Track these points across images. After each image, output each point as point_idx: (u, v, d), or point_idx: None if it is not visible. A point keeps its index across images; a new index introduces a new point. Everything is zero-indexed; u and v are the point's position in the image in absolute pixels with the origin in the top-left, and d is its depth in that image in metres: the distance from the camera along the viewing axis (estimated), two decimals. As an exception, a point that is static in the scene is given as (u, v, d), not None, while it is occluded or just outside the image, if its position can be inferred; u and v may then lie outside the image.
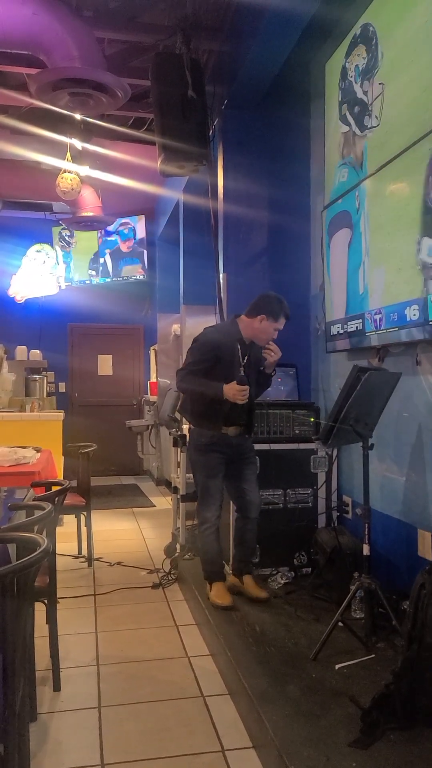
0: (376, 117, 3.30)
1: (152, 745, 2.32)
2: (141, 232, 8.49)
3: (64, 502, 3.22)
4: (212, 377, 3.27)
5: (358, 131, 3.54)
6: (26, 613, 1.90)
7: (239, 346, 3.36)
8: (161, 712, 2.56)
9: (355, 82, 3.55)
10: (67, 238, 8.76)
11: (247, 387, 3.20)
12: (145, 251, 8.44)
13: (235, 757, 2.26)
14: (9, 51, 3.95)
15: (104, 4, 4.29)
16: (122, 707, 2.60)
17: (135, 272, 8.59)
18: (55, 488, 2.97)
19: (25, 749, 1.87)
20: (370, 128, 3.39)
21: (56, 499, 2.68)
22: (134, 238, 8.58)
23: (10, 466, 3.89)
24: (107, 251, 8.72)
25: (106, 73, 3.69)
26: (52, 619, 2.71)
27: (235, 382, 3.20)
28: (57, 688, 2.70)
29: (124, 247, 8.66)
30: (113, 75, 3.73)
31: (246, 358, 3.36)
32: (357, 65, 3.54)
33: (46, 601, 2.69)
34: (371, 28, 3.36)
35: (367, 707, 2.16)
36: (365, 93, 3.43)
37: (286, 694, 2.41)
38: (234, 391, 3.19)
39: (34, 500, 2.58)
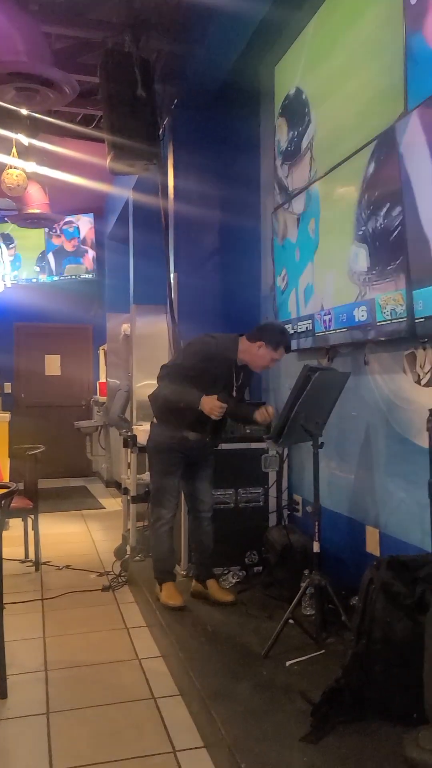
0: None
1: (102, 749, 2.29)
2: (85, 231, 8.41)
3: (11, 505, 3.15)
4: (195, 384, 3.19)
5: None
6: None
7: (234, 366, 3.29)
8: (111, 715, 2.53)
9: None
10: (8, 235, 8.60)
11: (226, 406, 3.12)
12: (90, 249, 8.36)
13: (186, 757, 2.25)
14: None
15: (52, -2, 4.22)
16: (71, 712, 2.56)
17: (79, 271, 8.49)
18: (1, 491, 2.90)
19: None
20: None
21: (2, 502, 2.61)
22: (78, 237, 8.49)
23: None
24: (52, 250, 8.62)
25: (53, 69, 3.62)
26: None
27: (216, 397, 3.11)
28: (3, 695, 2.63)
29: (68, 246, 8.56)
30: (61, 70, 3.66)
31: (239, 379, 3.32)
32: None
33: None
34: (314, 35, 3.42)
35: (318, 702, 2.19)
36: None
37: (237, 692, 2.42)
38: (211, 406, 3.10)
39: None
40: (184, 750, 2.28)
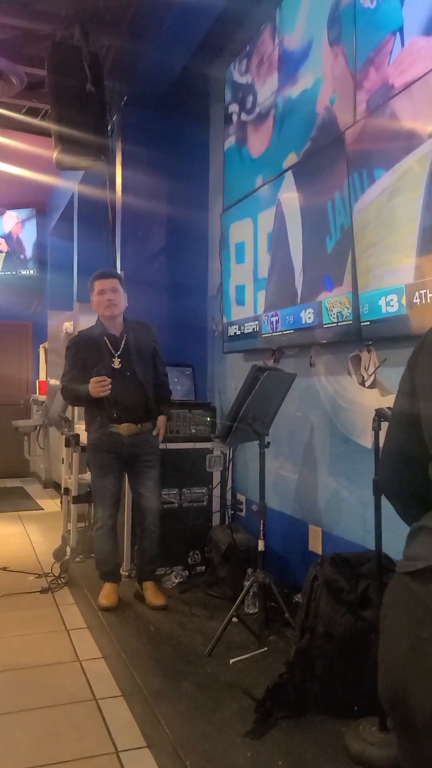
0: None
1: (43, 751, 2.24)
2: (8, 227, 8.24)
3: None
4: (89, 378, 3.19)
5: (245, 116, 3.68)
6: None
7: (106, 339, 3.32)
8: (52, 717, 2.48)
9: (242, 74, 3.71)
10: None
11: (103, 378, 3.13)
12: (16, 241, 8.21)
13: (129, 757, 2.22)
14: None
15: (-2, -14, 4.12)
16: (10, 715, 2.49)
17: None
18: None
19: None
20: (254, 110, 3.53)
21: None
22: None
23: None
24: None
25: (2, 59, 3.54)
26: None
27: (93, 377, 3.14)
28: None
29: None
30: (8, 61, 3.58)
31: (120, 348, 3.31)
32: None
33: None
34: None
35: (261, 697, 2.22)
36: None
37: (181, 691, 2.42)
38: (92, 387, 3.13)
39: None
40: (126, 750, 2.25)
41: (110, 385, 3.13)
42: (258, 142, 3.67)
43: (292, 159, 3.29)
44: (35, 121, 5.16)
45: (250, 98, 3.72)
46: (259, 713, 2.15)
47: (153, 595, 3.35)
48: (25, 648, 3.13)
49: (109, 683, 2.76)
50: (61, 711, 2.52)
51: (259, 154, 3.66)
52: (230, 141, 4.04)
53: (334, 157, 2.74)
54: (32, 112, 5.50)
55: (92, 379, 3.13)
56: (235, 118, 3.95)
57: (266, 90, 3.56)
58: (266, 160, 3.59)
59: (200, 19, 3.59)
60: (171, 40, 3.83)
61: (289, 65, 3.30)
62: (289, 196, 3.19)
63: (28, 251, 8.21)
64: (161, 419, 3.41)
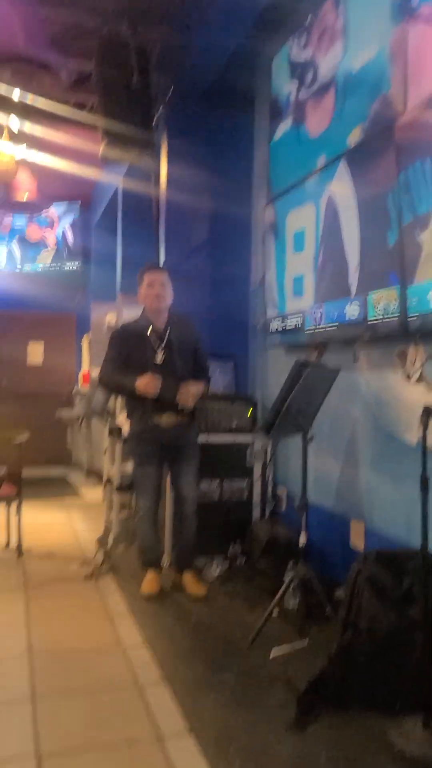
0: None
1: (88, 733, 2.30)
2: (55, 220, 8.36)
3: (-2, 491, 3.13)
4: (130, 369, 3.26)
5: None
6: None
7: (150, 332, 3.35)
8: (96, 701, 2.54)
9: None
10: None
11: (154, 377, 3.17)
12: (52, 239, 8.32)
13: (172, 743, 2.26)
14: None
15: (48, -19, 4.17)
16: (56, 698, 2.56)
17: (46, 260, 8.44)
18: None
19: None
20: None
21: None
22: (48, 226, 8.45)
23: None
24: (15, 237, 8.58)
25: (50, 53, 3.61)
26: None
27: (147, 374, 3.18)
28: (-12, 680, 2.63)
29: (35, 236, 8.50)
30: (59, 55, 3.64)
31: (164, 342, 3.35)
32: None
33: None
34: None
35: (303, 691, 2.23)
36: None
37: (223, 681, 2.45)
38: (144, 384, 3.17)
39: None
40: (170, 736, 2.29)
41: (157, 389, 3.18)
42: (318, 119, 3.49)
43: (356, 135, 3.13)
44: (81, 115, 5.21)
45: (310, 73, 3.54)
46: (301, 706, 2.16)
47: (193, 585, 3.40)
48: (69, 633, 3.21)
49: (151, 670, 2.81)
50: (105, 695, 2.59)
51: (321, 132, 3.48)
52: (286, 124, 3.88)
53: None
54: (78, 105, 5.57)
55: (144, 378, 3.17)
56: (292, 97, 3.81)
57: (328, 62, 3.37)
58: (329, 137, 3.39)
59: (248, 8, 3.57)
60: (218, 32, 3.83)
61: (353, 34, 3.16)
62: (343, 184, 3.11)
63: (74, 244, 8.31)
64: (196, 382, 3.35)
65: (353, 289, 3.00)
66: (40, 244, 8.51)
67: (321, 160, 3.42)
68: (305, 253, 3.56)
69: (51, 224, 8.46)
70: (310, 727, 2.10)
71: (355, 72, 3.14)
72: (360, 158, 2.98)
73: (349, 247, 3.04)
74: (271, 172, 4.04)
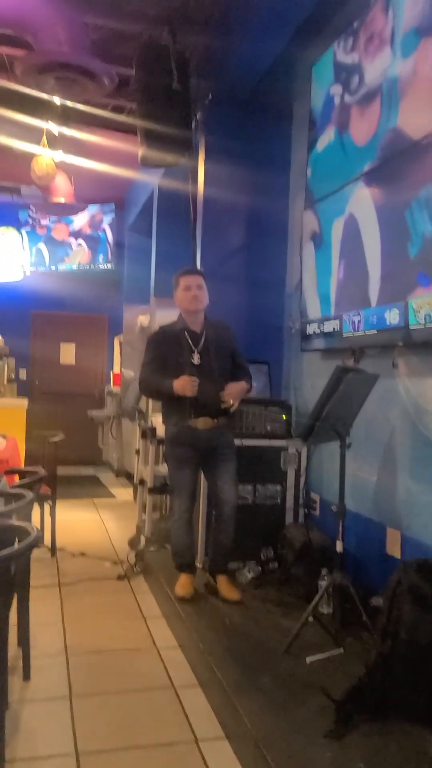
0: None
1: (125, 734, 2.33)
2: (90, 221, 8.45)
3: (36, 490, 3.17)
4: (168, 372, 3.28)
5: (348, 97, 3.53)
6: (9, 601, 1.89)
7: (186, 335, 3.37)
8: (132, 702, 2.57)
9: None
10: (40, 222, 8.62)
11: (192, 378, 3.18)
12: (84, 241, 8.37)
13: (208, 747, 2.27)
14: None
15: (91, -12, 4.22)
16: (93, 697, 2.59)
17: (74, 260, 8.51)
18: (28, 476, 2.95)
19: (1, 737, 1.85)
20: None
21: (34, 487, 2.65)
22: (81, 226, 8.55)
23: (-23, 452, 3.82)
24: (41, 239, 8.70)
25: (94, 59, 3.66)
26: (23, 608, 2.68)
27: (184, 376, 3.21)
28: (27, 677, 2.67)
29: (60, 235, 8.59)
30: (101, 61, 3.68)
31: (200, 344, 3.36)
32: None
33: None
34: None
35: (341, 699, 2.22)
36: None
37: (259, 685, 2.45)
38: (182, 384, 3.19)
39: (13, 488, 2.55)
40: (206, 739, 2.31)
41: (195, 389, 3.19)
42: (365, 127, 3.37)
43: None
44: (120, 119, 5.26)
45: (355, 78, 3.46)
46: (339, 714, 2.15)
47: (228, 590, 3.38)
48: (105, 632, 3.24)
49: (186, 672, 2.83)
50: (140, 696, 2.61)
51: (367, 141, 3.37)
52: (330, 130, 3.77)
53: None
54: (116, 109, 5.63)
55: (182, 378, 3.18)
56: (337, 100, 3.71)
57: (375, 68, 3.27)
58: (373, 146, 3.30)
59: (290, 14, 3.57)
60: (258, 38, 3.83)
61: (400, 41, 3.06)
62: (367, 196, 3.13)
63: (111, 246, 8.38)
64: (240, 382, 3.35)
65: (392, 295, 2.98)
66: (65, 244, 8.59)
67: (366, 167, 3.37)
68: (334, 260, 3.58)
69: (84, 225, 8.53)
70: (348, 735, 2.09)
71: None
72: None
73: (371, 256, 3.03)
74: (312, 178, 4.02)
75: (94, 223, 8.52)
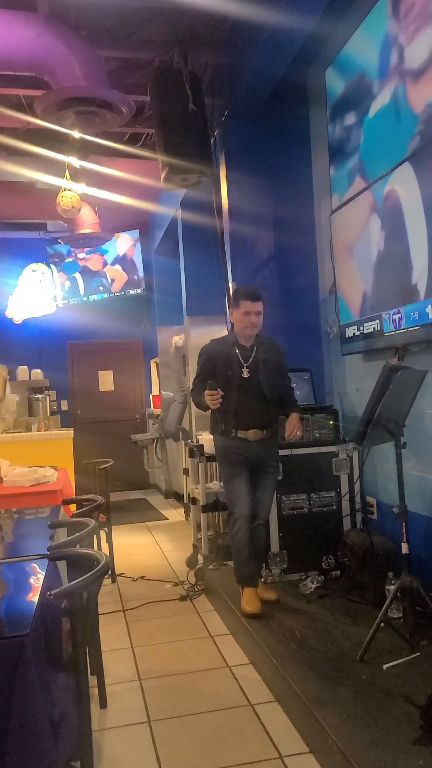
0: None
1: (209, 756, 2.31)
2: (122, 249, 8.58)
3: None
4: (219, 386, 3.32)
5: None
6: (86, 630, 1.90)
7: (237, 350, 3.44)
8: (212, 722, 2.55)
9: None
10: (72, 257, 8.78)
11: (215, 392, 3.23)
12: (118, 267, 8.50)
13: (294, 762, 2.25)
14: (11, 73, 3.96)
15: (101, 22, 4.33)
16: (172, 720, 2.58)
17: (110, 289, 8.67)
18: (85, 504, 2.97)
19: (92, 765, 1.85)
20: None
21: (94, 514, 2.67)
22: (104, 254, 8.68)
23: (32, 486, 3.88)
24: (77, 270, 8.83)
25: (111, 90, 3.72)
26: (95, 636, 2.69)
27: (207, 390, 3.26)
28: (104, 705, 2.68)
29: (94, 266, 8.73)
30: (118, 92, 3.75)
31: (250, 359, 3.43)
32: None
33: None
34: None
35: (425, 705, 2.16)
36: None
37: (339, 697, 2.41)
38: (206, 399, 3.25)
39: (72, 517, 2.57)
40: (290, 755, 2.28)
41: (220, 399, 3.25)
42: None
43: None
44: (141, 147, 5.36)
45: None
46: (426, 721, 2.10)
47: (263, 590, 3.47)
48: (174, 654, 3.24)
49: (261, 688, 2.80)
50: (219, 716, 2.59)
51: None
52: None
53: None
54: (133, 136, 5.73)
55: (205, 392, 3.26)
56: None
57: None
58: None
59: (296, 29, 3.60)
60: (269, 52, 3.86)
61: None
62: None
63: (140, 271, 8.48)
64: (294, 416, 3.45)
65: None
66: (100, 274, 8.73)
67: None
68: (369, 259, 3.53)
69: (129, 251, 8.65)
70: (437, 742, 2.04)
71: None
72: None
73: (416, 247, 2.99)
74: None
75: (130, 251, 8.63)
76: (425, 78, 2.95)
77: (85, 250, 8.30)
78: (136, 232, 8.45)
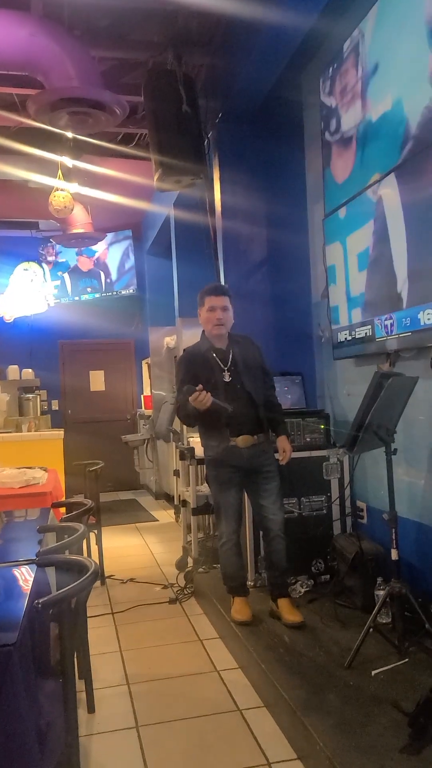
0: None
1: (196, 762, 2.30)
2: (101, 251, 8.58)
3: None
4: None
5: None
6: (74, 636, 1.89)
7: (213, 354, 3.34)
8: (200, 728, 2.54)
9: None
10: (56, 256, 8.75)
11: (197, 392, 3.06)
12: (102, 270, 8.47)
13: (282, 770, 2.24)
14: (4, 72, 3.94)
15: (95, 22, 4.31)
16: (160, 726, 2.58)
17: (101, 289, 8.67)
18: (75, 508, 2.96)
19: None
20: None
21: (83, 518, 2.66)
22: (99, 255, 8.66)
23: (21, 487, 3.86)
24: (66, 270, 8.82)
25: (104, 91, 3.70)
26: (83, 640, 2.68)
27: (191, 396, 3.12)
28: (92, 709, 2.66)
29: (84, 266, 8.71)
30: (111, 93, 3.74)
31: (228, 362, 3.34)
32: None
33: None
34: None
35: (413, 712, 2.17)
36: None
37: (326, 703, 2.41)
38: (193, 404, 3.10)
39: (62, 521, 2.56)
40: (278, 762, 2.27)
41: (208, 394, 3.09)
42: (342, 167, 3.68)
43: (375, 179, 3.31)
44: (134, 147, 5.34)
45: (334, 121, 3.71)
46: (414, 728, 2.10)
47: (289, 612, 3.23)
48: (163, 658, 3.23)
49: (250, 694, 2.80)
50: (207, 722, 2.59)
51: (343, 180, 3.71)
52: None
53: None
54: (126, 137, 5.71)
55: (190, 397, 3.10)
56: (325, 135, 3.93)
57: (350, 117, 3.55)
58: (350, 185, 3.63)
59: (293, 31, 3.59)
60: (263, 55, 3.85)
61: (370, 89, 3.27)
62: (392, 198, 3.12)
63: (128, 271, 8.45)
64: (282, 440, 3.37)
65: (423, 295, 2.95)
66: (91, 274, 8.70)
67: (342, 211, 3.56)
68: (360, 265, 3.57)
69: (103, 254, 8.63)
70: (425, 749, 2.04)
71: (374, 124, 3.24)
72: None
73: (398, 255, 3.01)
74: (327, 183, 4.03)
75: (114, 250, 8.61)
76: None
77: (75, 251, 8.27)
78: (128, 231, 8.43)
